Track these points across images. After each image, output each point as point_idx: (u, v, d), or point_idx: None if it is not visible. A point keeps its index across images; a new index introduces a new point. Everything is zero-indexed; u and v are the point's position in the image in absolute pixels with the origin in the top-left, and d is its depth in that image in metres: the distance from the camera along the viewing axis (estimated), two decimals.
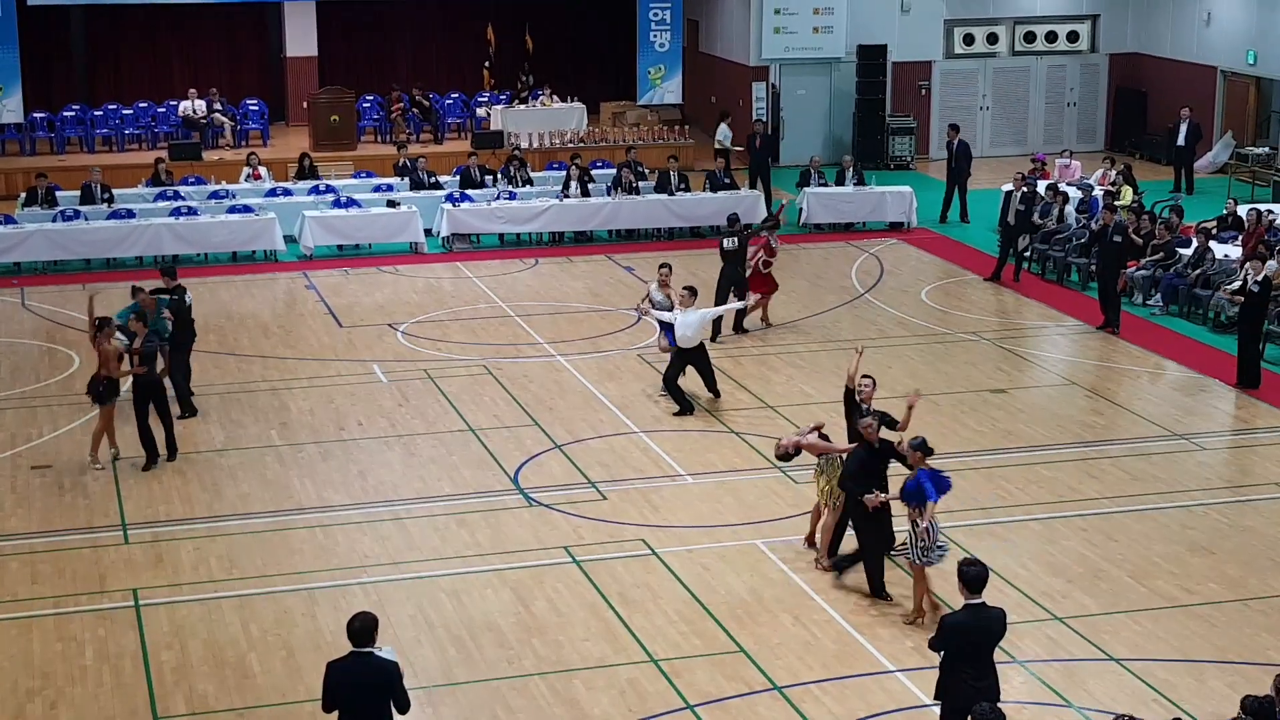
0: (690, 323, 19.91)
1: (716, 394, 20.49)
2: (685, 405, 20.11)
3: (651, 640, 14.19)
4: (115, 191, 29.09)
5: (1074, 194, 29.46)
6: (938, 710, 11.80)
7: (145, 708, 13.08)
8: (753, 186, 31.49)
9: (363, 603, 14.73)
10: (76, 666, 13.72)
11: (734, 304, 22.51)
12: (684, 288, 20.43)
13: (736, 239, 23.32)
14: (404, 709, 10.68)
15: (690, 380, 20.37)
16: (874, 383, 15.93)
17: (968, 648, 11.37)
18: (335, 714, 10.74)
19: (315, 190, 30.10)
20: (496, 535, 16.49)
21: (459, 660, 13.85)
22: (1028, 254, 27.25)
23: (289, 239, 28.39)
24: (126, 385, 18.62)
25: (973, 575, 11.45)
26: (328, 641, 13.95)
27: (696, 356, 20.29)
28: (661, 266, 21.71)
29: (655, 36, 36.56)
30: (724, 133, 33.82)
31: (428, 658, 13.87)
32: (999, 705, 11.41)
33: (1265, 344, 22.07)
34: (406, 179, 30.71)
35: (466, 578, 15.46)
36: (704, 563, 15.81)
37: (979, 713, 10.19)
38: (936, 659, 11.71)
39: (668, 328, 20.39)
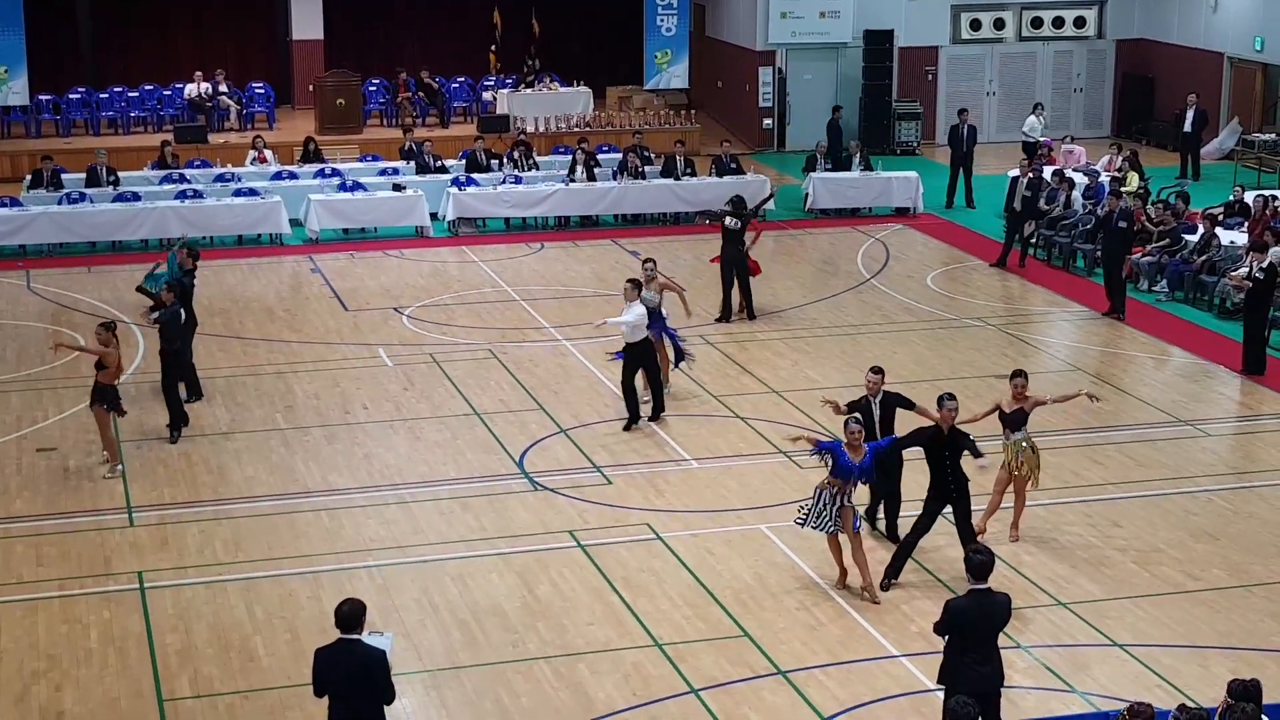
0: (628, 320, 18.62)
1: (659, 409, 19.18)
2: (634, 414, 18.98)
3: (656, 624, 14.20)
4: (121, 174, 29.11)
5: (1080, 180, 29.41)
6: (941, 694, 11.83)
7: (150, 690, 13.10)
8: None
9: (368, 586, 14.77)
10: (81, 649, 13.75)
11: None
12: (627, 280, 19.27)
13: (740, 220, 23.22)
14: (389, 700, 10.62)
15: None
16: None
17: (970, 632, 11.39)
18: (327, 698, 10.73)
19: (321, 174, 30.10)
20: (501, 519, 16.50)
21: (463, 644, 13.86)
22: (1033, 240, 27.23)
23: (294, 222, 28.37)
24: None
25: (977, 563, 11.49)
26: (332, 625, 13.91)
27: (644, 356, 18.95)
28: (646, 262, 20.38)
29: (662, 21, 36.49)
30: (1031, 124, 33.40)
31: (432, 641, 13.88)
32: (1002, 689, 11.45)
33: (1270, 330, 22.04)
34: (412, 163, 30.69)
35: (471, 562, 15.47)
36: (708, 547, 15.82)
37: (953, 709, 10.17)
38: (940, 644, 11.73)
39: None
